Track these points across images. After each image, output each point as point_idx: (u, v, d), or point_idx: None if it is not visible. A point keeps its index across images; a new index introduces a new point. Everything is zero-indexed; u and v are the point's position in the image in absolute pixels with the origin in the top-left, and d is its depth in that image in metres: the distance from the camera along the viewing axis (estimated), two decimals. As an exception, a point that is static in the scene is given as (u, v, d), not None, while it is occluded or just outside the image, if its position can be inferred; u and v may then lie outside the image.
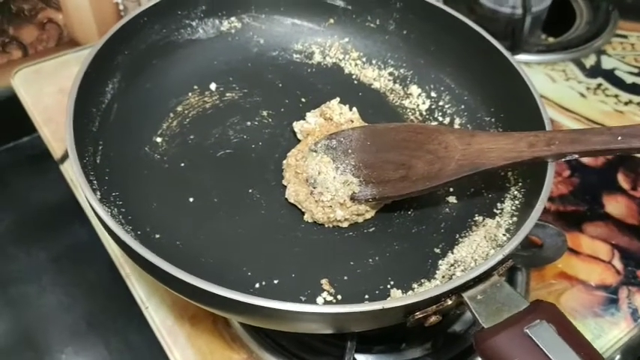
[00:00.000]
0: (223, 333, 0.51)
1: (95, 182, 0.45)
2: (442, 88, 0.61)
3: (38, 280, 0.67)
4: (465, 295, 0.38)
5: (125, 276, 0.54)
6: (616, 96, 0.73)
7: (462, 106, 0.59)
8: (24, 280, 0.67)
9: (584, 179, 0.65)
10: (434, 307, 0.38)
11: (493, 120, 0.57)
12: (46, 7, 0.74)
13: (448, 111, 0.60)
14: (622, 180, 0.64)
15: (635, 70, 0.76)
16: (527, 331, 0.35)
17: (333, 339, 0.51)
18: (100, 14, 0.75)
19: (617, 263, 0.58)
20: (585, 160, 0.66)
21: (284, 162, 0.53)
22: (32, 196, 0.73)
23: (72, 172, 0.60)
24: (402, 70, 0.63)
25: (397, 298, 0.40)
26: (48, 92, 0.68)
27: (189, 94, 0.58)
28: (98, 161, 0.48)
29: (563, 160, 0.46)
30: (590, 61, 0.77)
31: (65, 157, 0.63)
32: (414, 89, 0.61)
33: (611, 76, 0.75)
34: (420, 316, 0.39)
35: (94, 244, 0.57)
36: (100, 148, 0.49)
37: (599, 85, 0.74)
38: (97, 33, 0.76)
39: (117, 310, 0.63)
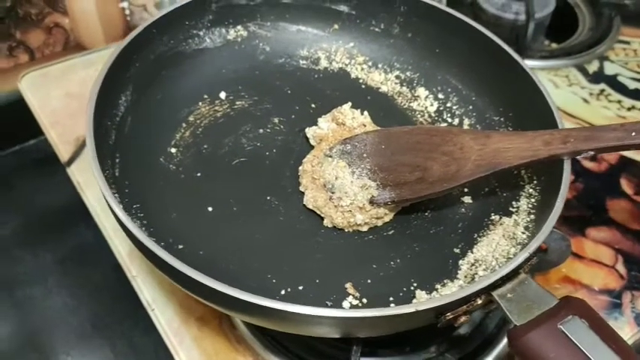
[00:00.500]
0: (229, 335, 0.51)
1: (117, 195, 0.45)
2: (449, 90, 0.61)
3: (44, 283, 0.67)
4: (495, 294, 0.39)
5: (131, 278, 0.54)
6: (619, 102, 0.73)
7: (470, 107, 0.60)
8: (29, 282, 0.67)
9: (587, 184, 0.65)
10: (464, 307, 0.39)
11: (502, 119, 0.57)
12: (52, 11, 0.74)
13: (457, 112, 0.60)
14: (625, 185, 0.65)
15: (638, 76, 0.77)
16: (560, 327, 0.35)
17: (339, 342, 0.51)
18: (107, 19, 0.76)
19: (621, 268, 0.58)
20: (589, 165, 0.66)
21: (300, 168, 0.53)
22: (37, 199, 0.74)
23: (80, 177, 0.61)
24: (408, 73, 0.63)
25: (429, 300, 0.40)
26: (55, 95, 0.68)
27: (200, 103, 0.58)
28: (117, 174, 0.48)
29: (578, 157, 0.47)
30: (593, 67, 0.77)
31: (72, 160, 0.63)
32: (422, 91, 0.62)
33: (613, 82, 0.76)
34: (451, 316, 0.39)
35: (100, 246, 0.57)
36: (118, 161, 0.49)
37: (602, 90, 0.74)
38: (103, 37, 0.77)
39: (122, 313, 0.63)
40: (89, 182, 0.59)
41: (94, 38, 0.77)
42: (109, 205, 0.41)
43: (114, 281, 0.58)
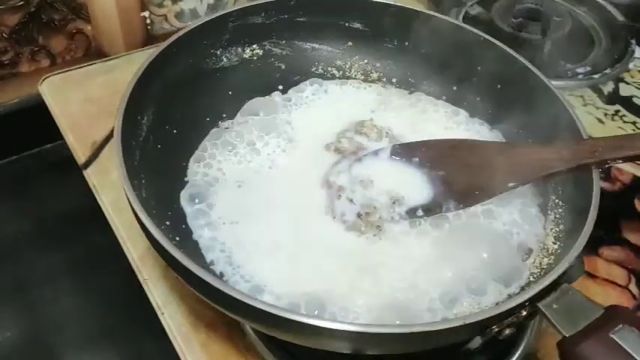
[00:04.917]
0: (237, 342, 0.50)
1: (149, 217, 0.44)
2: (466, 104, 0.61)
3: (54, 285, 0.67)
4: (541, 305, 0.38)
5: (142, 281, 0.53)
6: (634, 123, 0.73)
7: (490, 120, 0.60)
8: (40, 284, 0.67)
9: (601, 204, 0.64)
10: (509, 319, 0.39)
11: (521, 132, 0.57)
12: (75, 18, 0.75)
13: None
14: None
15: (654, 99, 0.76)
16: (612, 336, 0.35)
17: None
18: (128, 27, 0.76)
19: (634, 288, 0.57)
20: (603, 185, 0.65)
21: (322, 181, 0.53)
22: (51, 202, 0.73)
23: (95, 179, 0.60)
24: (423, 89, 0.63)
25: (476, 313, 0.40)
26: (74, 99, 0.67)
27: (219, 122, 0.58)
28: (144, 195, 0.47)
29: (606, 166, 0.47)
30: (608, 88, 0.77)
31: (88, 163, 0.62)
32: (438, 106, 0.62)
33: (629, 103, 0.76)
34: (497, 330, 0.39)
35: (111, 251, 0.56)
36: (143, 181, 0.48)
37: (617, 111, 0.74)
38: (123, 45, 0.77)
39: (131, 317, 0.63)
40: (104, 185, 0.59)
41: (114, 45, 0.77)
42: (145, 229, 0.40)
43: (123, 286, 0.57)
